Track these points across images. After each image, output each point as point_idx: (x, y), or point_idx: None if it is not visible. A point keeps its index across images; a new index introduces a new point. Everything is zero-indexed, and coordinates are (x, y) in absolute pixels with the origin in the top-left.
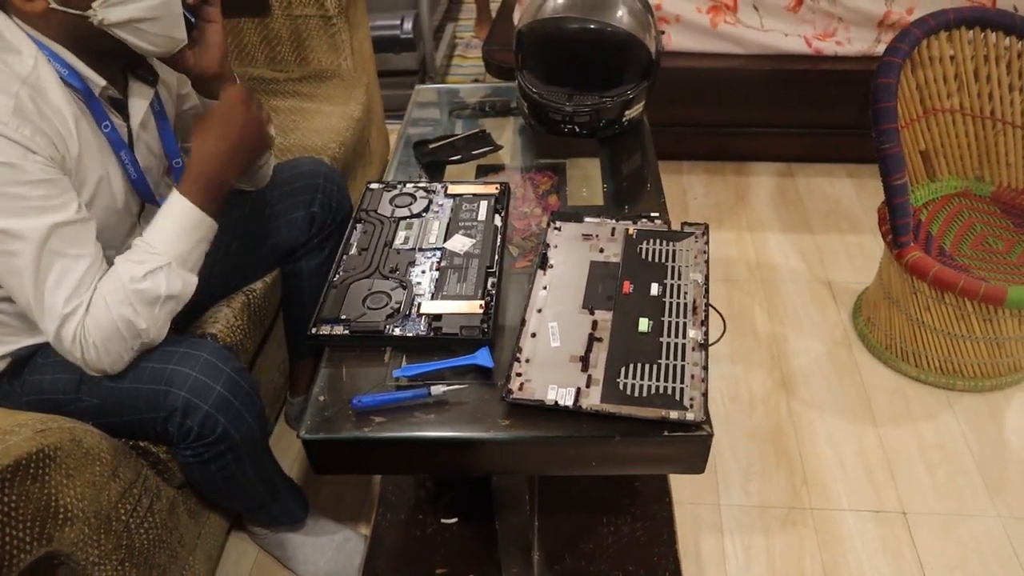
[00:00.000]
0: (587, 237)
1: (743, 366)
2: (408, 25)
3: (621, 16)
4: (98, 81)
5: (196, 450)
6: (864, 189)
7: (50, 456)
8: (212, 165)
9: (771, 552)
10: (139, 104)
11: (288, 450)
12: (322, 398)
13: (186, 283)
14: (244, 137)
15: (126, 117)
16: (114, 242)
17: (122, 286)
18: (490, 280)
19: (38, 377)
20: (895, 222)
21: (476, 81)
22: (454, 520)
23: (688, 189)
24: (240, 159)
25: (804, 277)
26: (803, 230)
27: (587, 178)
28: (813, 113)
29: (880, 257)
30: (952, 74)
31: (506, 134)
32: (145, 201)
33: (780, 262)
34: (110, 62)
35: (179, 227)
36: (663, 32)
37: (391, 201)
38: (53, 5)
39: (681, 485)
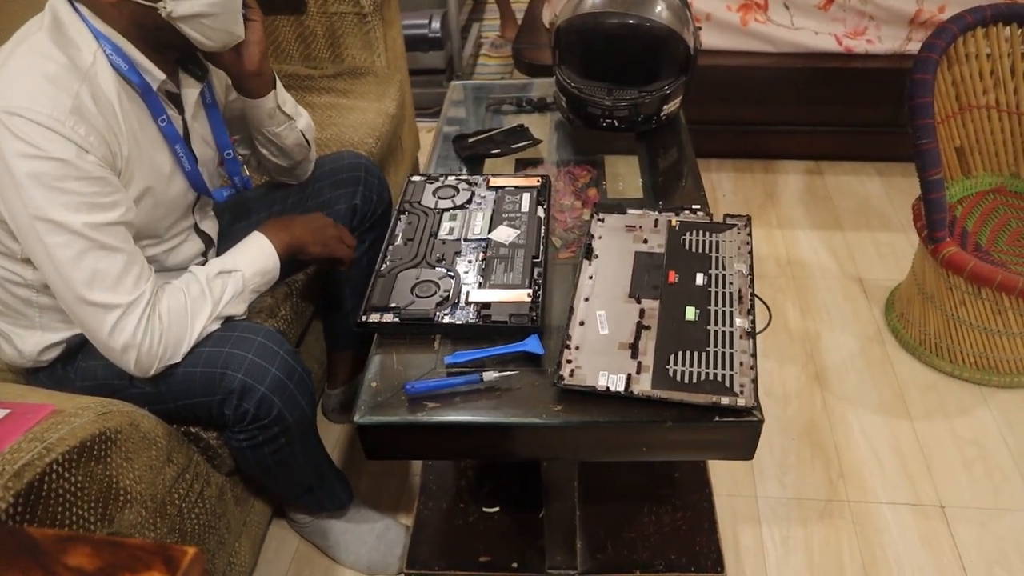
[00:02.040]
0: (630, 228)
1: (776, 361)
2: (436, 24)
3: (660, 11)
4: (157, 75)
5: (251, 433)
6: (894, 187)
7: (111, 439)
8: (293, 238)
9: (809, 544)
10: (190, 97)
11: (326, 440)
12: (374, 384)
13: (237, 312)
14: (321, 242)
15: (181, 110)
16: (169, 233)
17: (201, 278)
18: (536, 270)
19: (92, 363)
20: (931, 217)
21: (503, 79)
22: (496, 509)
23: (717, 187)
24: (308, 250)
25: (835, 274)
26: (833, 227)
27: (625, 173)
28: (843, 111)
29: (912, 254)
30: (988, 70)
31: (543, 130)
32: (199, 192)
33: (811, 259)
34: (168, 56)
35: (258, 254)
36: (699, 28)
37: (434, 193)
38: None
39: (718, 476)
